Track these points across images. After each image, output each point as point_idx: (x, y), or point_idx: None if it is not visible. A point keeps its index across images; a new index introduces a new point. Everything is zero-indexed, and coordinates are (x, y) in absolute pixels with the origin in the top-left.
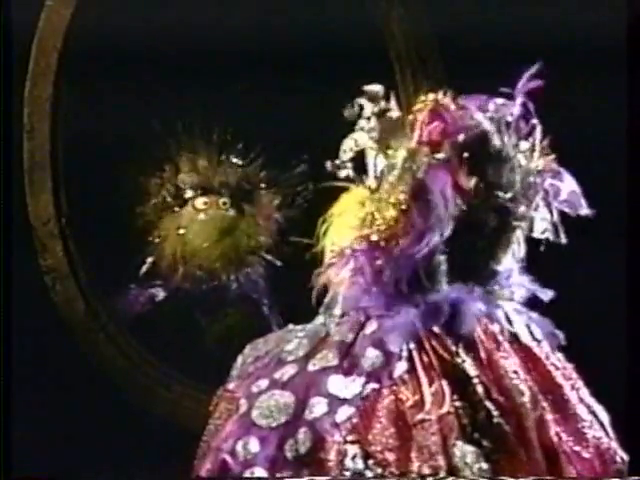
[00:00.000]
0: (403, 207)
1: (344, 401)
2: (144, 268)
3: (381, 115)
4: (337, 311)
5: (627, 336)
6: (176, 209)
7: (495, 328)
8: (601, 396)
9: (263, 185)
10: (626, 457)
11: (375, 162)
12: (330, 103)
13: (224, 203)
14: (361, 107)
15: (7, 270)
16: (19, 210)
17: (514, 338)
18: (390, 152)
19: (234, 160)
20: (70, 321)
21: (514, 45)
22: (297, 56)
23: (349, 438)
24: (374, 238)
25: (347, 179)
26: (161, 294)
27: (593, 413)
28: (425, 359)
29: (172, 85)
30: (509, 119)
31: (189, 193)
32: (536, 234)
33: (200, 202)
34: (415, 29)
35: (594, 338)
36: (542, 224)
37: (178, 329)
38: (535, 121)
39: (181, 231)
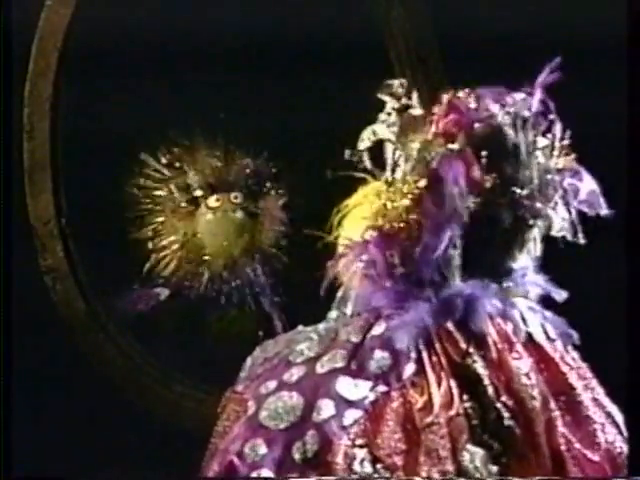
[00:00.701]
0: (416, 197)
1: (352, 404)
2: (146, 268)
3: (402, 111)
4: (348, 310)
5: (629, 336)
6: (183, 205)
7: (509, 327)
8: (613, 395)
9: (271, 179)
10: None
11: (393, 156)
12: (330, 103)
13: (235, 197)
14: (382, 102)
15: (7, 270)
16: (19, 210)
17: (528, 337)
18: (406, 143)
19: (241, 156)
20: (70, 321)
21: (514, 45)
22: (297, 56)
23: (357, 442)
24: (386, 229)
25: (365, 171)
26: (163, 294)
27: (608, 414)
28: (434, 359)
29: (173, 84)
30: (527, 114)
31: (198, 192)
32: (554, 233)
33: (212, 200)
34: (415, 29)
35: (606, 337)
36: (561, 223)
37: (178, 329)
38: (554, 117)
39: (199, 235)
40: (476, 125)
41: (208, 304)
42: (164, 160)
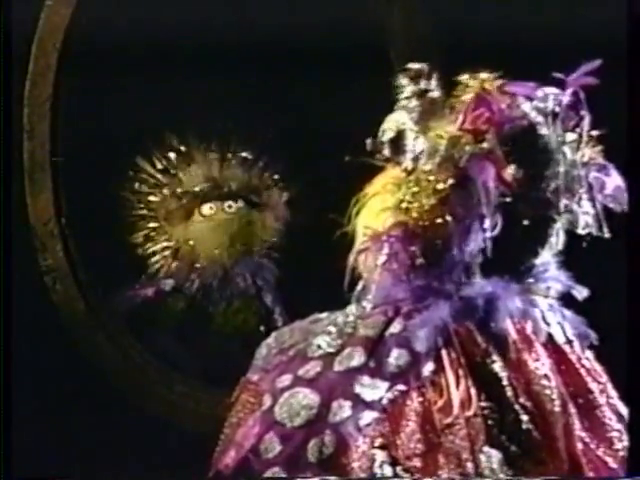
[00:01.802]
0: (442, 195)
1: (369, 404)
2: (147, 272)
3: (422, 95)
4: (368, 304)
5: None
6: (176, 211)
7: (529, 327)
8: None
9: (271, 183)
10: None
11: (414, 144)
12: (330, 103)
13: (229, 206)
14: (402, 86)
15: (7, 270)
16: (19, 210)
17: (548, 338)
18: (431, 135)
19: (240, 160)
20: (70, 321)
21: (514, 45)
22: (297, 56)
23: (376, 443)
24: (411, 225)
25: (384, 159)
26: (168, 285)
27: (622, 419)
28: (454, 358)
29: (173, 85)
30: (557, 109)
31: (194, 196)
32: (579, 229)
33: (206, 208)
34: (415, 29)
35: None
36: (585, 219)
37: (178, 329)
38: (584, 112)
39: (191, 242)
40: (506, 124)
41: (209, 299)
42: (159, 166)
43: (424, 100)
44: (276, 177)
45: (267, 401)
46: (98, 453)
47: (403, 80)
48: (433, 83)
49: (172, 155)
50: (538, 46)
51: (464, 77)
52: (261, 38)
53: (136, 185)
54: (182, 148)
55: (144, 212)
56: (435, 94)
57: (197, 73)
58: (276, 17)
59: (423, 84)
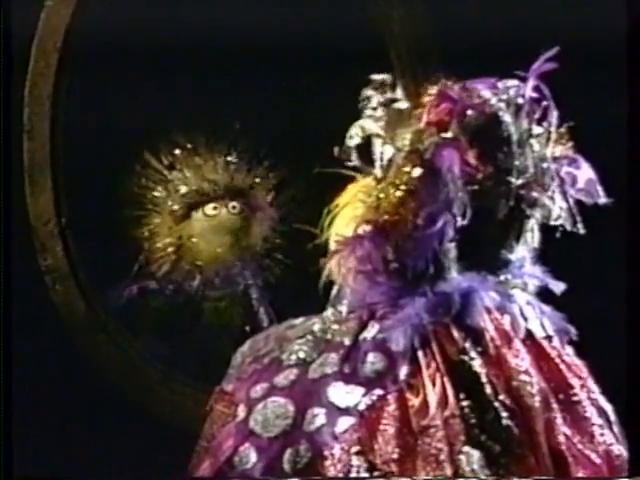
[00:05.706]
0: (410, 188)
1: (344, 411)
2: (137, 267)
3: (388, 105)
4: (344, 308)
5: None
6: (180, 208)
7: (507, 322)
8: (607, 393)
9: (268, 186)
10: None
11: (382, 151)
12: (330, 103)
13: (234, 207)
14: (368, 98)
15: (7, 270)
16: (19, 210)
17: (527, 333)
18: (397, 139)
19: (239, 162)
20: (70, 321)
21: (514, 45)
22: (297, 56)
23: (353, 449)
24: (381, 222)
25: (353, 168)
26: (162, 293)
27: (604, 415)
28: (430, 357)
29: (173, 85)
30: (520, 101)
31: (194, 199)
32: (552, 222)
33: (209, 208)
34: (415, 29)
35: (605, 332)
36: (558, 212)
37: (179, 329)
38: (549, 104)
39: (194, 240)
40: (469, 112)
41: (204, 306)
42: (165, 162)
43: (390, 110)
44: (277, 180)
45: (241, 412)
46: (98, 453)
47: (368, 91)
48: (399, 93)
49: (177, 152)
50: (539, 46)
51: (430, 86)
52: (260, 38)
53: (142, 180)
54: (186, 147)
55: (149, 207)
56: (401, 104)
57: (197, 73)
58: (276, 17)
59: (389, 94)
